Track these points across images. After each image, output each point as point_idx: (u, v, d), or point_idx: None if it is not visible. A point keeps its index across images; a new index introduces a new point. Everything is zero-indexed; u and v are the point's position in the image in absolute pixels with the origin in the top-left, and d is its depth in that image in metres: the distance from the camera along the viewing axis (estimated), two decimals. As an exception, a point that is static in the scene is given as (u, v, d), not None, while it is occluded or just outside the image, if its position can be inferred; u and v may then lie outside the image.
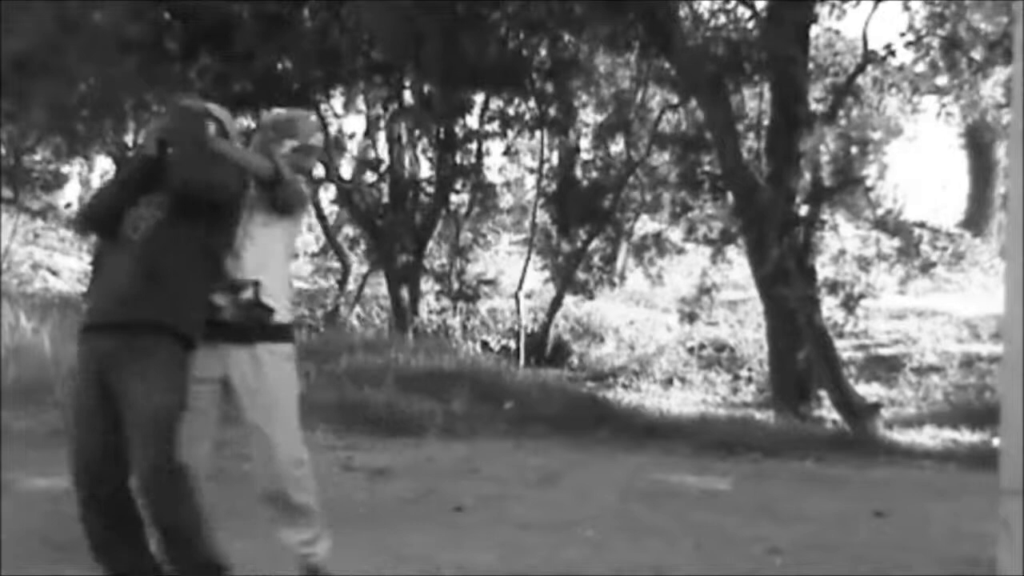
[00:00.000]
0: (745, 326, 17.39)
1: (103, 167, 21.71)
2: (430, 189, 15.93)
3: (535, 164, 17.87)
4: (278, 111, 3.95)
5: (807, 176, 12.77)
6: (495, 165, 18.45)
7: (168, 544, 3.38)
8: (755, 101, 14.21)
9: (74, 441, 3.44)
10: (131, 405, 3.31)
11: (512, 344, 15.54)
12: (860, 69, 13.72)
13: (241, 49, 12.62)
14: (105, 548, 3.39)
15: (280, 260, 3.80)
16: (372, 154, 17.07)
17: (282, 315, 3.73)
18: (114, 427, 3.33)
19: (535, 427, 9.76)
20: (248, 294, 3.64)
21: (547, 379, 12.99)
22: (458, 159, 15.68)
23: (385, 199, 15.96)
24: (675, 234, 18.19)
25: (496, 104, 15.68)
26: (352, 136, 17.50)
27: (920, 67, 15.01)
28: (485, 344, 15.44)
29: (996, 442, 7.73)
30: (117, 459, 3.33)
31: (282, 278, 3.80)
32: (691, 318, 16.03)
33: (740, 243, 13.92)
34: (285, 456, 3.69)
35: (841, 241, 14.85)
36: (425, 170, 16.41)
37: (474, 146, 15.96)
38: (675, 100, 15.40)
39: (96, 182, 22.48)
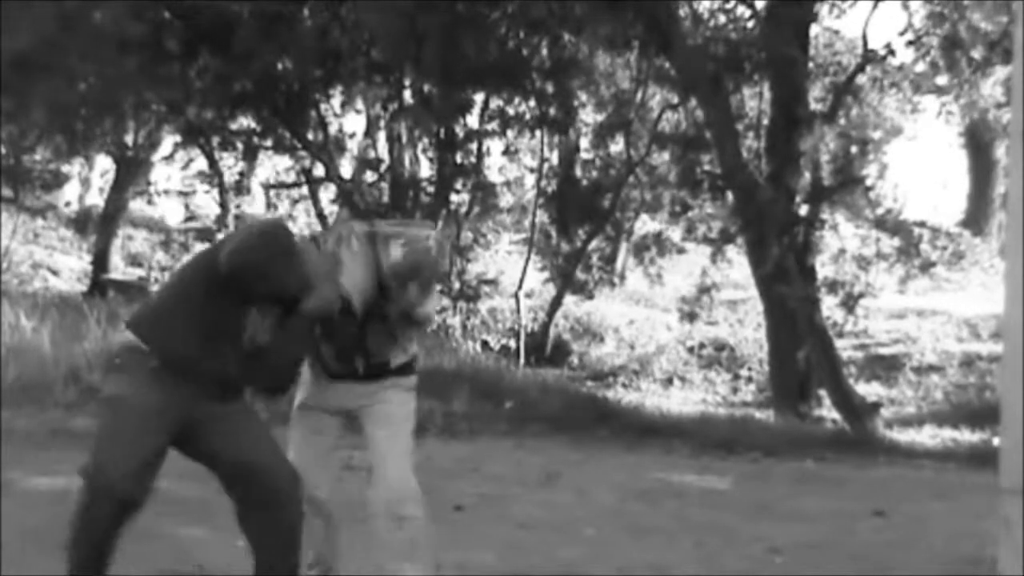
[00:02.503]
0: (745, 325, 17.40)
1: (103, 167, 21.73)
2: (430, 189, 15.92)
3: (535, 164, 17.87)
4: (400, 255, 3.62)
5: (807, 176, 12.77)
6: (495, 165, 18.45)
7: (284, 549, 3.48)
8: (755, 101, 14.20)
9: (129, 443, 3.28)
10: (235, 432, 3.43)
11: (512, 344, 15.54)
12: (860, 68, 13.73)
13: (241, 49, 12.61)
14: (99, 551, 3.37)
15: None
16: (372, 154, 17.06)
17: (403, 359, 3.86)
18: (165, 447, 3.38)
19: (535, 427, 9.77)
20: (379, 359, 3.77)
21: (547, 379, 13.00)
22: (458, 159, 15.67)
23: (385, 199, 15.95)
24: (675, 233, 18.19)
25: (496, 104, 15.67)
26: (352, 136, 17.50)
27: (920, 66, 15.01)
28: (485, 344, 15.44)
29: (996, 442, 7.72)
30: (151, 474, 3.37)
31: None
32: (691, 317, 16.03)
33: (740, 242, 13.92)
34: (397, 480, 3.75)
35: (841, 240, 14.86)
36: (425, 170, 16.41)
37: (474, 146, 15.95)
38: (675, 100, 15.39)
39: (96, 182, 22.52)
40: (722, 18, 14.39)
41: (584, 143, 17.69)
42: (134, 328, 3.45)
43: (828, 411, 11.99)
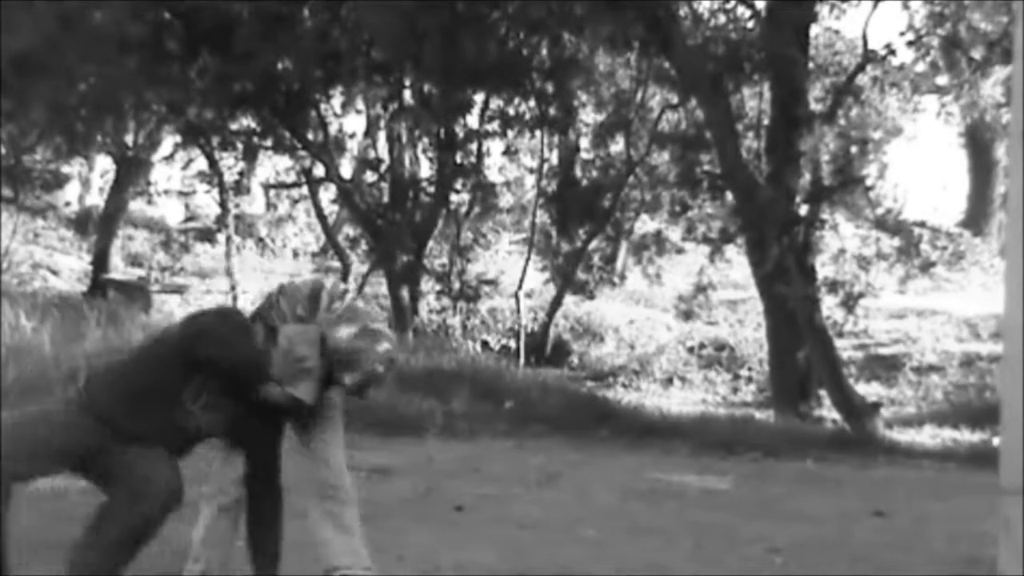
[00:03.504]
0: (745, 325, 17.40)
1: (103, 167, 21.74)
2: (430, 189, 15.93)
3: (535, 164, 17.88)
4: (343, 335, 3.64)
5: (807, 176, 12.77)
6: (495, 165, 18.48)
7: (116, 537, 3.48)
8: (755, 101, 14.21)
9: (33, 436, 3.45)
10: (134, 462, 3.46)
11: (512, 344, 15.55)
12: (860, 68, 13.73)
13: (241, 49, 12.62)
14: None
15: None
16: (372, 154, 17.07)
17: None
18: (60, 456, 3.49)
19: (535, 427, 9.77)
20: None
21: (547, 379, 12.98)
22: (458, 159, 15.68)
23: (385, 199, 15.96)
24: (674, 233, 18.19)
25: (496, 104, 15.67)
26: (352, 136, 17.51)
27: (920, 67, 15.02)
28: (485, 344, 15.45)
29: (996, 442, 7.73)
30: None
31: None
32: (687, 315, 16.04)
33: (740, 242, 13.93)
34: (336, 465, 3.90)
35: (841, 240, 14.85)
36: (425, 170, 16.42)
37: (474, 146, 15.96)
38: (675, 100, 15.40)
39: (96, 182, 22.54)
40: (722, 18, 14.38)
41: (584, 143, 17.71)
42: (87, 390, 3.58)
43: (828, 411, 11.99)
